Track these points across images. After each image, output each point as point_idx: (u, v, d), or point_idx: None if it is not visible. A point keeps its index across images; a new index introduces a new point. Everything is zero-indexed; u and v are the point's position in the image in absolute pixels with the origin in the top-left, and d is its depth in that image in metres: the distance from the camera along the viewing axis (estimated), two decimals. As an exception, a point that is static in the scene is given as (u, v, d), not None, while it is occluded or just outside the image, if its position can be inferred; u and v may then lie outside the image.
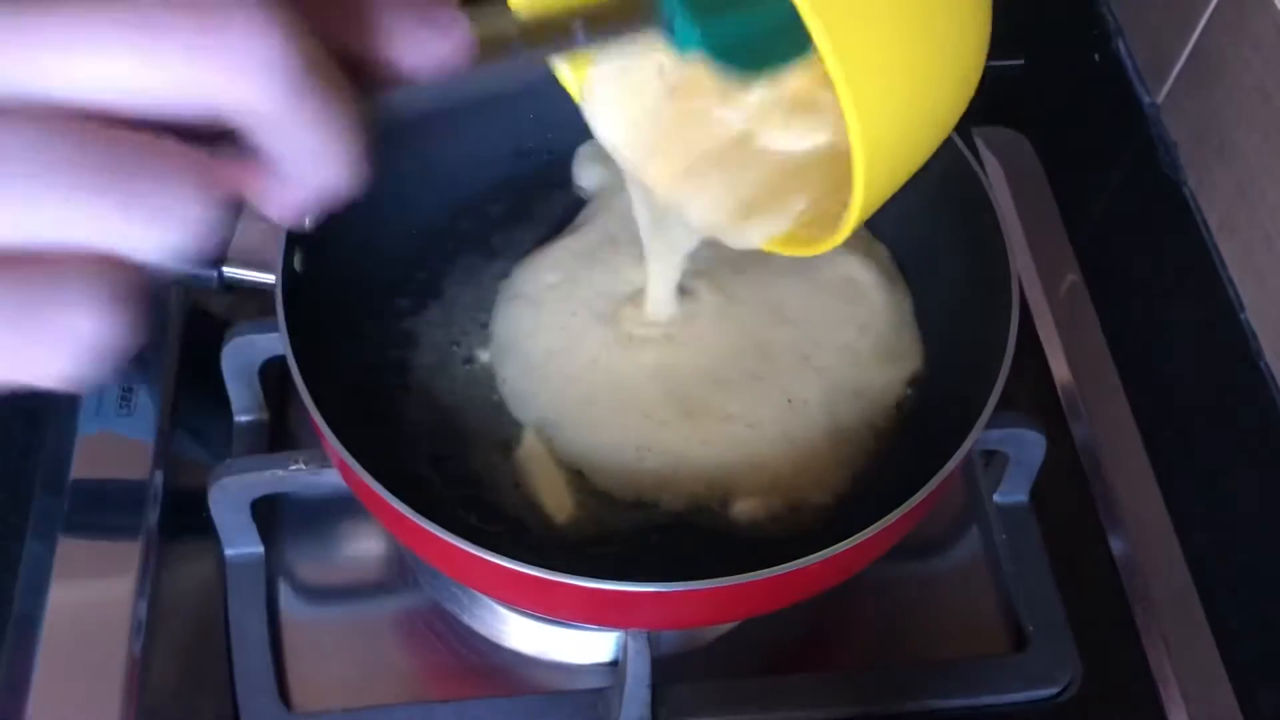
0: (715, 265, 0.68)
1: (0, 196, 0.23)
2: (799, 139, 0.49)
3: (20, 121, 0.23)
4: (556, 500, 0.62)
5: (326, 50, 0.25)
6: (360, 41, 0.28)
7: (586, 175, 0.73)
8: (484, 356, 0.67)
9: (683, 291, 0.66)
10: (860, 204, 0.45)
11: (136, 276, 0.25)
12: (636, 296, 0.66)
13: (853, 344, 0.66)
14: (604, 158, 0.73)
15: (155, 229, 0.24)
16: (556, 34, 0.38)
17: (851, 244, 0.69)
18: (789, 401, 0.64)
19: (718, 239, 0.52)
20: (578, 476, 0.63)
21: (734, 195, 0.50)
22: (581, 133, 0.76)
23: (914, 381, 0.66)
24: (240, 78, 0.23)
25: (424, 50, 0.29)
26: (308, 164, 0.25)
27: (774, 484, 0.62)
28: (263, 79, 0.23)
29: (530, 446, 0.64)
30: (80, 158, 0.23)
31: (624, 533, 0.61)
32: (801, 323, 0.67)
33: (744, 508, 0.61)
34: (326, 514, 0.68)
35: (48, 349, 0.25)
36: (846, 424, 0.64)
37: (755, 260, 0.69)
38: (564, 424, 0.64)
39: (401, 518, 0.52)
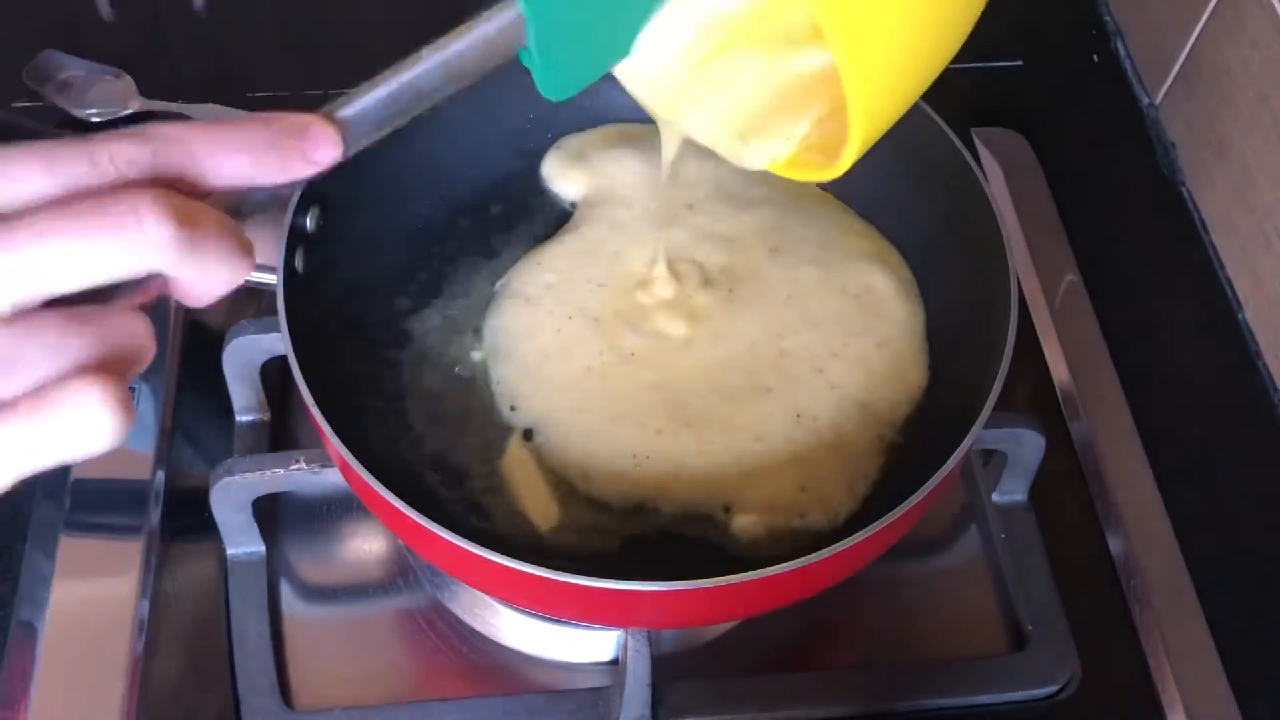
0: (732, 266, 0.68)
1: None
2: (797, 58, 0.49)
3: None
4: (541, 509, 0.62)
5: (203, 204, 0.34)
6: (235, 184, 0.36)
7: (564, 187, 0.73)
8: (480, 357, 0.67)
9: (694, 293, 0.67)
10: (859, 134, 0.45)
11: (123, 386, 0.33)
12: (638, 285, 0.67)
13: (869, 357, 0.66)
14: (573, 161, 0.73)
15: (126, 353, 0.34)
16: (443, 71, 0.42)
17: (875, 254, 0.69)
18: (798, 416, 0.63)
19: (721, 155, 0.52)
20: (576, 481, 0.62)
21: (733, 111, 0.50)
22: (584, 126, 0.76)
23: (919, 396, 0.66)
24: (152, 254, 0.32)
25: (304, 168, 0.37)
26: (207, 279, 0.34)
27: (776, 499, 0.61)
28: (165, 251, 0.33)
29: (514, 455, 0.63)
30: (63, 333, 0.33)
31: (622, 538, 0.61)
32: (819, 331, 0.66)
33: (744, 523, 0.61)
34: (327, 514, 0.68)
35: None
36: (853, 440, 0.63)
37: (774, 262, 0.69)
38: (557, 428, 0.63)
39: (402, 517, 0.52)
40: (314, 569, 0.67)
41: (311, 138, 0.37)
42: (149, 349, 0.34)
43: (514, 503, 0.62)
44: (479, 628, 0.65)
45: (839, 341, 0.66)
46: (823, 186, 0.73)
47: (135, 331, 0.34)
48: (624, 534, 0.61)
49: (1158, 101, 0.76)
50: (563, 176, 0.73)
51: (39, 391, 0.32)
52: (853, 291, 0.68)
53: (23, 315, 0.32)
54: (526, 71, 0.69)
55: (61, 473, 0.68)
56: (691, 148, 0.55)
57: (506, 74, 0.75)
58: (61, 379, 0.32)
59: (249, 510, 0.63)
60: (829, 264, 0.69)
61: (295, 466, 0.61)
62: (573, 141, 0.74)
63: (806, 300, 0.67)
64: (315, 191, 0.62)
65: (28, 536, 0.66)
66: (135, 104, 0.82)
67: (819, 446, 0.63)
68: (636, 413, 0.63)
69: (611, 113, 0.74)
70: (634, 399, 0.64)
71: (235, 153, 0.35)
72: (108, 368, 0.33)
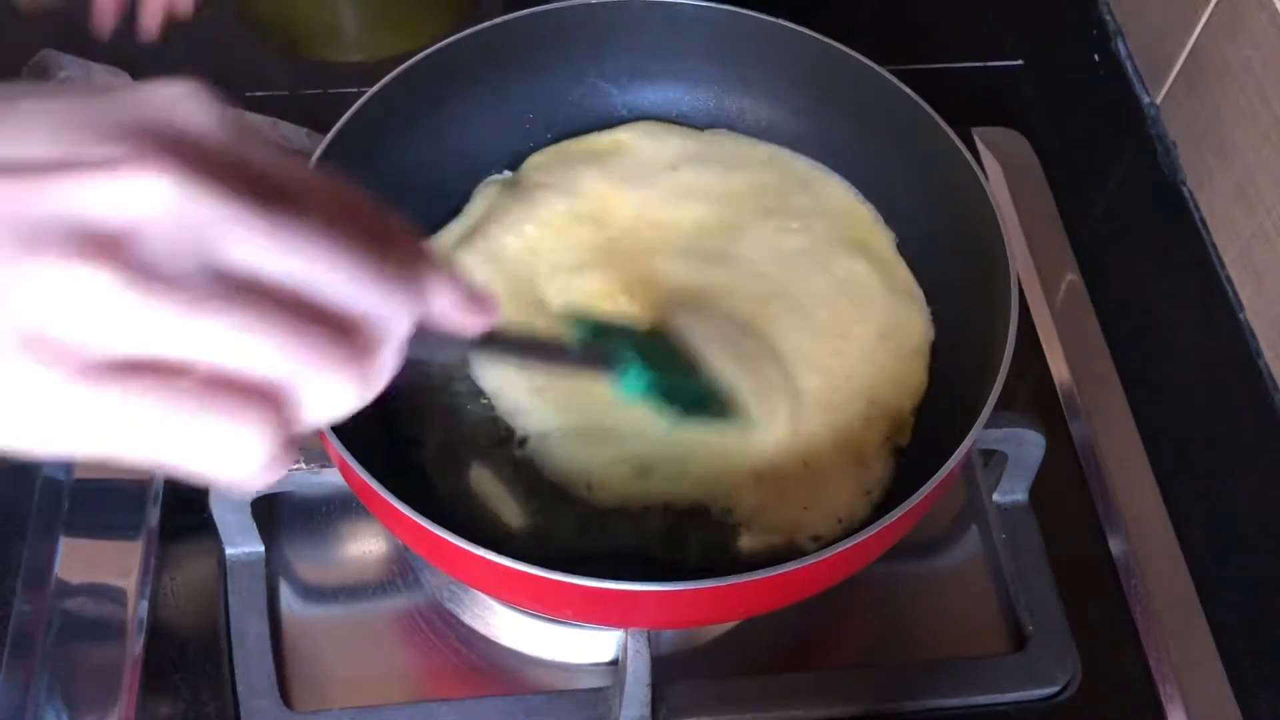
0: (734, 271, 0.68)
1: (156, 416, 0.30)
2: None
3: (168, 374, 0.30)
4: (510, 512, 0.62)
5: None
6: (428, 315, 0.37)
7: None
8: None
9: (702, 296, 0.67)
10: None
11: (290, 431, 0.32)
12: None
13: (872, 349, 0.66)
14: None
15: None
16: (544, 352, 0.49)
17: (883, 264, 0.70)
18: (802, 416, 0.63)
19: None
20: (579, 488, 0.62)
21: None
22: (582, 131, 0.77)
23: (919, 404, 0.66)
24: (222, 465, 0.31)
25: (477, 319, 0.38)
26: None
27: (781, 507, 0.61)
28: (244, 470, 0.31)
29: (477, 477, 0.63)
30: (295, 342, 0.31)
31: (623, 538, 0.61)
32: (819, 326, 0.66)
33: (749, 543, 0.60)
34: (326, 514, 0.68)
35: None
36: (863, 443, 0.63)
37: (776, 261, 0.69)
38: (555, 434, 0.63)
39: (402, 517, 0.52)
40: (313, 569, 0.67)
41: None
42: (358, 400, 0.33)
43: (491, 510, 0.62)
44: (478, 628, 0.65)
45: (838, 331, 0.66)
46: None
47: (375, 375, 0.33)
48: (625, 534, 0.61)
49: (1158, 101, 0.76)
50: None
51: (216, 389, 0.30)
52: (839, 274, 0.68)
53: (264, 293, 0.30)
54: (526, 69, 0.71)
55: (62, 472, 0.68)
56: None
57: (506, 73, 0.76)
58: (245, 390, 0.30)
59: (248, 510, 0.63)
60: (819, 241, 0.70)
61: (294, 467, 0.61)
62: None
63: (808, 298, 0.67)
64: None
65: (28, 536, 0.66)
66: (135, 103, 0.81)
67: (824, 450, 0.62)
68: (635, 413, 0.63)
69: (611, 112, 0.75)
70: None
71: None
72: (297, 400, 0.31)
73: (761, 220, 0.70)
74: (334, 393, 0.32)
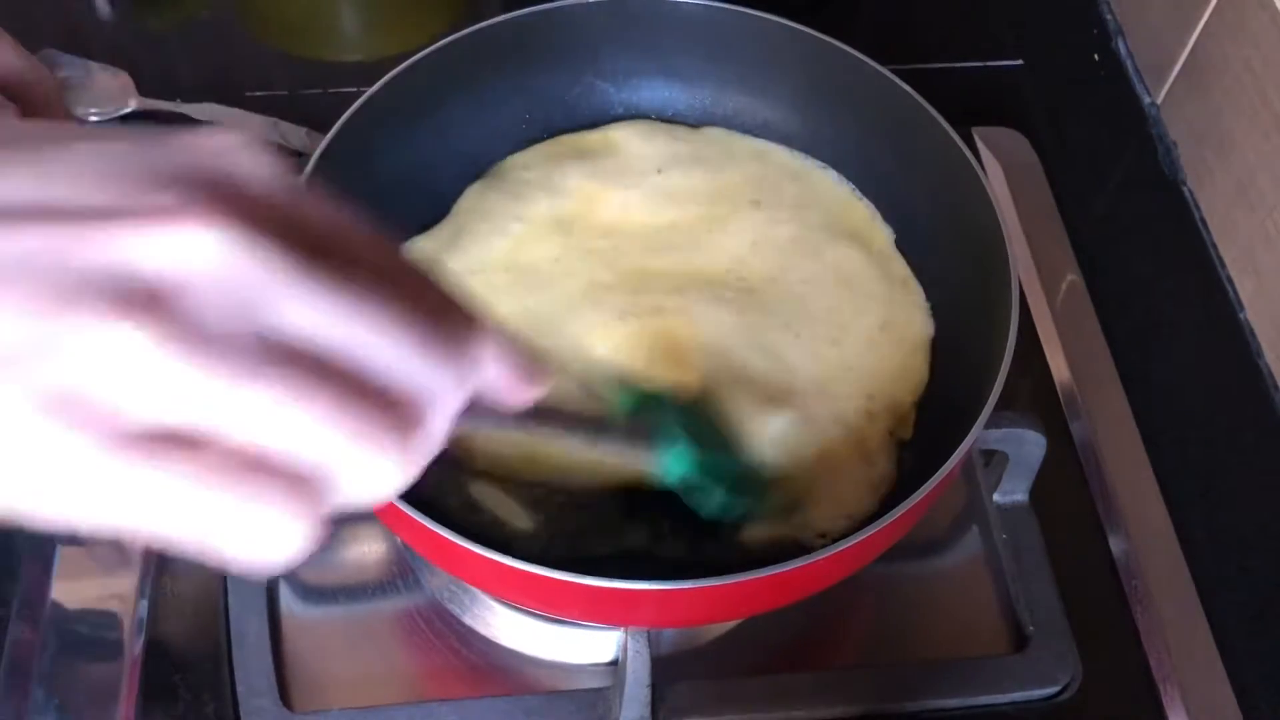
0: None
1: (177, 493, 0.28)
2: None
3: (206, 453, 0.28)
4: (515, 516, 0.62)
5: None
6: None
7: None
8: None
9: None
10: None
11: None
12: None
13: (871, 341, 0.66)
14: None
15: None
16: (591, 428, 0.48)
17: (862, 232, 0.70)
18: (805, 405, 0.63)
19: None
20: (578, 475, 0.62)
21: None
22: (581, 127, 0.76)
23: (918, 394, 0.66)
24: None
25: (524, 394, 0.36)
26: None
27: (788, 496, 0.61)
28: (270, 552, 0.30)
29: (481, 488, 0.62)
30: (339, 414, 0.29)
31: (626, 537, 0.61)
32: (821, 321, 0.66)
33: (755, 534, 0.60)
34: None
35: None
36: (867, 436, 0.63)
37: (765, 250, 0.69)
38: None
39: (403, 516, 0.52)
40: (313, 569, 0.67)
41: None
42: (400, 480, 0.31)
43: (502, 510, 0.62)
44: (478, 628, 0.65)
45: (840, 322, 0.66)
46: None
47: (421, 452, 0.31)
48: (627, 532, 0.61)
49: (1159, 101, 0.76)
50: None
51: (251, 468, 0.28)
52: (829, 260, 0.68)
53: (313, 362, 0.28)
54: (524, 68, 0.71)
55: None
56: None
57: (504, 73, 0.76)
58: (282, 470, 0.28)
59: (248, 510, 0.63)
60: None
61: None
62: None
63: (811, 298, 0.67)
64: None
65: (27, 536, 0.66)
66: (134, 103, 0.82)
67: (833, 443, 0.62)
68: None
69: (608, 111, 0.75)
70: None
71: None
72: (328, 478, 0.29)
73: (750, 211, 0.70)
74: (376, 472, 0.30)
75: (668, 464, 0.52)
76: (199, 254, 0.27)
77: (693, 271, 0.67)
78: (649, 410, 0.55)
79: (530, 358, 0.35)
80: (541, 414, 0.39)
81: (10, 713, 0.61)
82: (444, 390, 0.31)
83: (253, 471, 0.28)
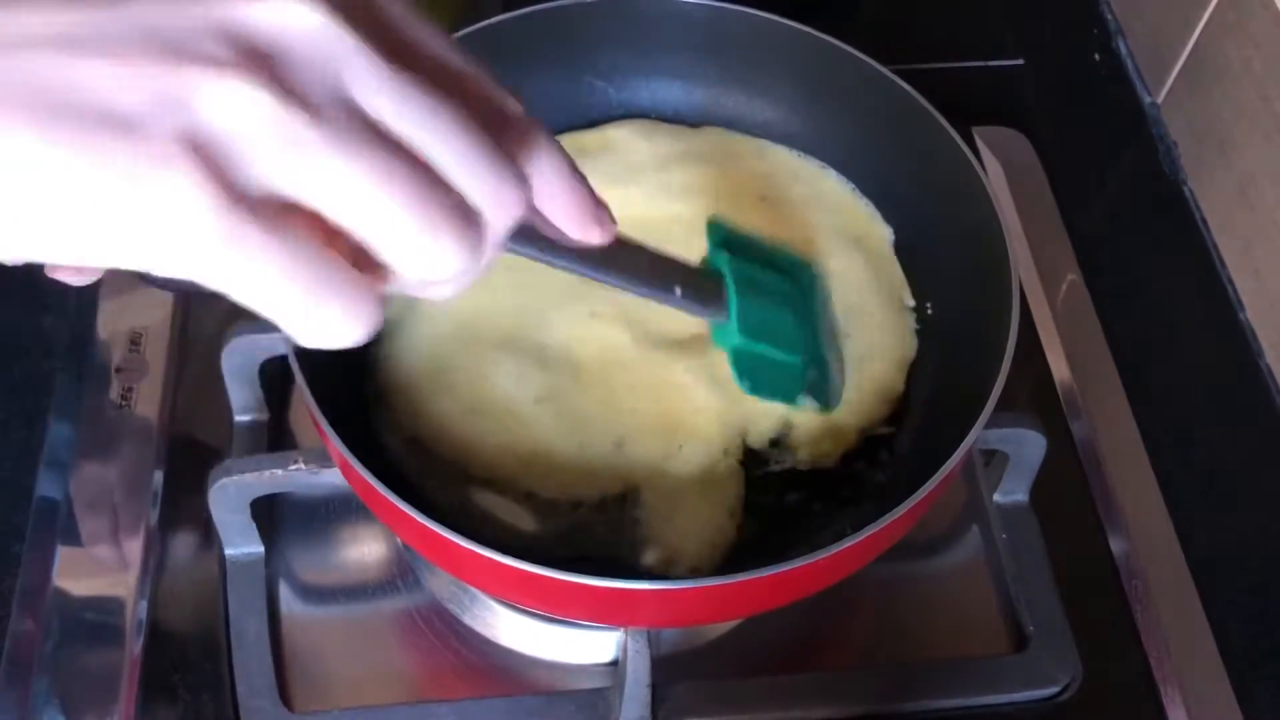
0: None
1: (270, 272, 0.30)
2: None
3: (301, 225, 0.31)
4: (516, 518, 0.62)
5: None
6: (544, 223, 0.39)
7: None
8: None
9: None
10: None
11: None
12: None
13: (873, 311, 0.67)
14: None
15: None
16: (664, 279, 0.47)
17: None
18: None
19: None
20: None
21: None
22: (581, 127, 0.76)
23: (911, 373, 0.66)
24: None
25: (582, 232, 0.39)
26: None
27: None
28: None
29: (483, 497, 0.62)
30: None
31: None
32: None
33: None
34: (326, 514, 0.68)
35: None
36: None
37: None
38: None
39: (404, 516, 0.52)
40: (313, 570, 0.67)
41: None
42: (460, 269, 0.33)
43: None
44: (478, 628, 0.65)
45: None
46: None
47: (480, 249, 0.33)
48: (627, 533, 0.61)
49: (1159, 100, 0.76)
50: None
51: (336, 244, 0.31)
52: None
53: (390, 141, 0.31)
54: (524, 68, 0.71)
55: (61, 472, 0.68)
56: None
57: (503, 72, 0.75)
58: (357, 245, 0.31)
59: (248, 511, 0.63)
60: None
61: (294, 467, 0.61)
62: None
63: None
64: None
65: (27, 536, 0.66)
66: (134, 103, 0.81)
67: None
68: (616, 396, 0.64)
69: (608, 111, 0.75)
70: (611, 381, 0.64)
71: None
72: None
73: (757, 206, 0.70)
74: (436, 259, 0.32)
75: (722, 333, 0.52)
76: (299, 20, 0.30)
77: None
78: (735, 261, 0.55)
79: (592, 195, 0.38)
80: (610, 257, 0.41)
81: (12, 714, 0.61)
82: (500, 193, 0.33)
83: (336, 248, 0.31)
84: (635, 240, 0.46)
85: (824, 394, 0.61)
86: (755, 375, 0.56)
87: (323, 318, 0.31)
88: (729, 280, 0.54)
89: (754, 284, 0.56)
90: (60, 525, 0.67)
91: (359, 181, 0.30)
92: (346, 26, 0.31)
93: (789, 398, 0.59)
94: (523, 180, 0.34)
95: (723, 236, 0.56)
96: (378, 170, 0.30)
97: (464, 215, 0.32)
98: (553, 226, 0.39)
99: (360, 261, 0.32)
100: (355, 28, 0.31)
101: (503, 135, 0.35)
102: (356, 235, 0.31)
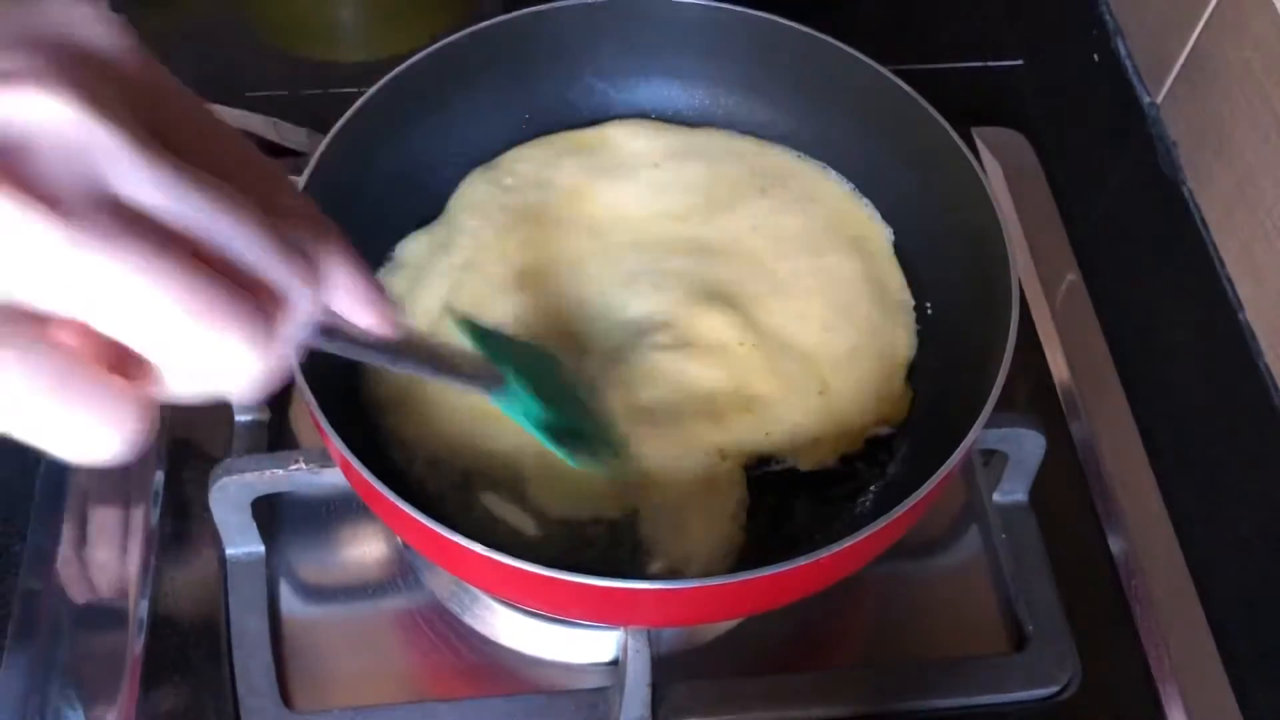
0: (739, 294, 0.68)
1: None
2: None
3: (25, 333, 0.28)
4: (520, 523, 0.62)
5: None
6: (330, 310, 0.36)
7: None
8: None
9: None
10: None
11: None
12: None
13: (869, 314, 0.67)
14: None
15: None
16: (453, 366, 0.49)
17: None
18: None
19: None
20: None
21: None
22: (580, 126, 0.76)
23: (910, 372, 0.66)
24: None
25: (377, 319, 0.37)
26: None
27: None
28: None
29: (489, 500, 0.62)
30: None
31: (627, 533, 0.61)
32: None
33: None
34: (327, 514, 0.68)
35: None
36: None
37: (762, 237, 0.69)
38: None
39: (405, 516, 0.52)
40: (313, 569, 0.67)
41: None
42: (255, 370, 0.31)
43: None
44: (479, 628, 0.65)
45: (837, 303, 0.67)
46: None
47: (274, 344, 0.31)
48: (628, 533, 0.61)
49: (1159, 101, 0.76)
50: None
51: (86, 361, 0.29)
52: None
53: (160, 234, 0.29)
54: (524, 68, 0.71)
55: (61, 472, 0.68)
56: None
57: (504, 73, 0.75)
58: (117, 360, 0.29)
59: (248, 510, 0.63)
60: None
61: (295, 467, 0.61)
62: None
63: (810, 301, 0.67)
64: (313, 190, 0.62)
65: (27, 536, 0.66)
66: (134, 103, 0.81)
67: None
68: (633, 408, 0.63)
69: (607, 111, 0.75)
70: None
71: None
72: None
73: (756, 197, 0.70)
74: (229, 356, 0.30)
75: (508, 405, 0.52)
76: (46, 113, 0.28)
77: (690, 247, 0.68)
78: (491, 348, 0.54)
79: (377, 282, 0.37)
80: (398, 347, 0.40)
81: (14, 714, 0.61)
82: (291, 288, 0.32)
83: (87, 365, 0.29)
84: (421, 333, 0.48)
85: (601, 452, 0.59)
86: (562, 438, 0.55)
87: (74, 433, 0.29)
88: (504, 364, 0.54)
89: (523, 365, 0.56)
90: (61, 525, 0.67)
91: (113, 281, 0.28)
92: (101, 117, 0.28)
93: (594, 457, 0.58)
94: (311, 269, 0.33)
95: (471, 330, 0.56)
96: (136, 267, 0.28)
97: (244, 306, 0.30)
98: (346, 317, 0.37)
99: (127, 365, 0.30)
100: (114, 118, 0.28)
101: (289, 226, 0.33)
102: (115, 336, 0.29)
